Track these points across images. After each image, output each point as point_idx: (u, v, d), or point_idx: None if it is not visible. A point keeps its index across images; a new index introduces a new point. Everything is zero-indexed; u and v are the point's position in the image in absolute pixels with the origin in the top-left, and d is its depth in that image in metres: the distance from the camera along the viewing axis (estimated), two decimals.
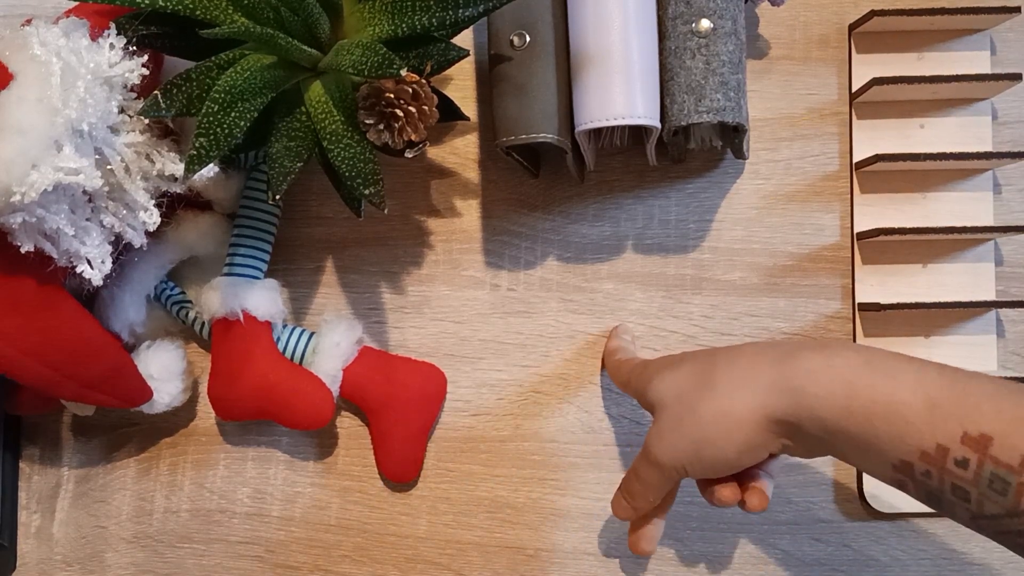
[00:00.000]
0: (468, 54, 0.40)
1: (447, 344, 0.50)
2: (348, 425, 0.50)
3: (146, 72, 0.38)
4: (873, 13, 0.48)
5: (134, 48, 0.38)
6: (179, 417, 0.51)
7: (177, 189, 0.41)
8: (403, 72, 0.35)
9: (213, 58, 0.39)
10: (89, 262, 0.38)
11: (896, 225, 0.47)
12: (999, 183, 0.50)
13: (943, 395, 0.31)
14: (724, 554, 0.49)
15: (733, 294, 0.50)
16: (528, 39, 0.43)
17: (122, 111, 0.38)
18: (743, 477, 0.40)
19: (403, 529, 0.50)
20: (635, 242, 0.51)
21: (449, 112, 0.45)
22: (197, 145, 0.36)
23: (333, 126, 0.40)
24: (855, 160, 0.50)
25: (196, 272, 0.50)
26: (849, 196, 0.50)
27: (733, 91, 0.43)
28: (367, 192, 0.39)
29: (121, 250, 0.41)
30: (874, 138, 0.50)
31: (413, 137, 0.39)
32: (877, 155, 0.47)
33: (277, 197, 0.38)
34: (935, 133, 0.50)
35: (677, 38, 0.43)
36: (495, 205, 0.51)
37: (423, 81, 0.38)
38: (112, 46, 0.37)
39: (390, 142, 0.39)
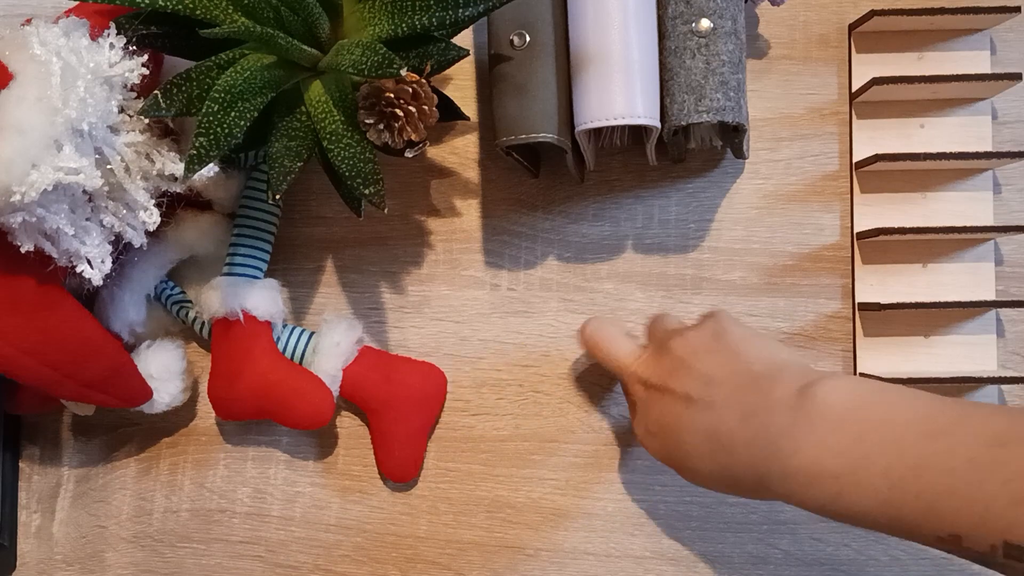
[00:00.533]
0: (468, 54, 0.40)
1: (447, 344, 0.50)
2: (348, 425, 0.50)
3: (146, 72, 0.38)
4: (873, 13, 0.48)
5: (134, 48, 0.38)
6: (179, 417, 0.51)
7: (177, 189, 0.41)
8: (403, 72, 0.35)
9: (213, 58, 0.39)
10: (89, 262, 0.38)
11: (896, 225, 0.47)
12: (999, 183, 0.50)
13: (904, 511, 0.30)
14: (724, 554, 0.49)
15: (733, 294, 0.50)
16: (528, 39, 0.43)
17: (122, 111, 0.38)
18: None
19: (403, 529, 0.50)
20: (635, 242, 0.51)
21: (449, 112, 0.45)
22: (197, 145, 0.36)
23: (333, 126, 0.40)
24: (855, 160, 0.50)
25: (196, 272, 0.50)
26: (849, 196, 0.50)
27: (733, 91, 0.43)
28: (367, 192, 0.39)
29: (121, 250, 0.41)
30: (874, 138, 0.50)
31: (413, 137, 0.39)
32: (877, 155, 0.47)
33: (277, 197, 0.38)
34: (935, 133, 0.50)
35: (677, 38, 0.43)
36: (495, 205, 0.51)
37: (423, 81, 0.38)
38: (112, 46, 0.37)
39: (390, 142, 0.39)
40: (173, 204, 0.44)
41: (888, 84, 0.47)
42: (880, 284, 0.49)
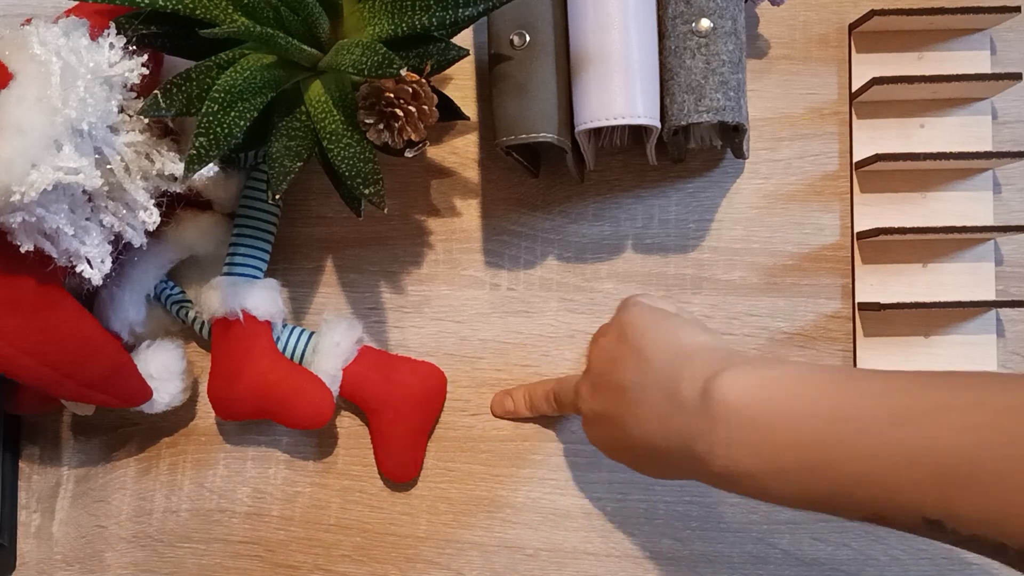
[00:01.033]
0: (468, 54, 0.40)
1: (447, 344, 0.50)
2: (348, 425, 0.50)
3: (146, 72, 0.38)
4: (873, 13, 0.48)
5: (134, 47, 0.38)
6: (179, 417, 0.51)
7: (177, 188, 0.41)
8: (403, 72, 0.35)
9: (213, 58, 0.39)
10: (89, 261, 0.38)
11: (896, 225, 0.47)
12: (999, 183, 0.50)
13: (823, 497, 0.31)
14: (724, 554, 0.49)
15: (733, 294, 0.50)
16: (528, 39, 0.43)
17: (122, 110, 0.38)
18: None
19: (403, 529, 0.50)
20: (635, 242, 0.51)
21: (449, 112, 0.45)
22: (197, 145, 0.36)
23: (333, 126, 0.40)
24: (855, 160, 0.50)
25: (196, 272, 0.50)
26: (849, 196, 0.50)
27: (733, 91, 0.43)
28: (367, 192, 0.39)
29: (121, 249, 0.41)
30: (874, 138, 0.50)
31: (413, 137, 0.39)
32: (877, 155, 0.47)
33: (277, 197, 0.38)
34: (935, 133, 0.50)
35: (677, 37, 0.43)
36: (495, 205, 0.51)
37: (423, 81, 0.38)
38: (112, 45, 0.37)
39: (390, 142, 0.39)
40: (173, 204, 0.44)
41: (888, 84, 0.47)
42: (880, 284, 0.49)
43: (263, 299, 0.46)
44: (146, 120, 0.39)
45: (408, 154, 0.40)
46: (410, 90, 0.38)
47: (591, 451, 0.50)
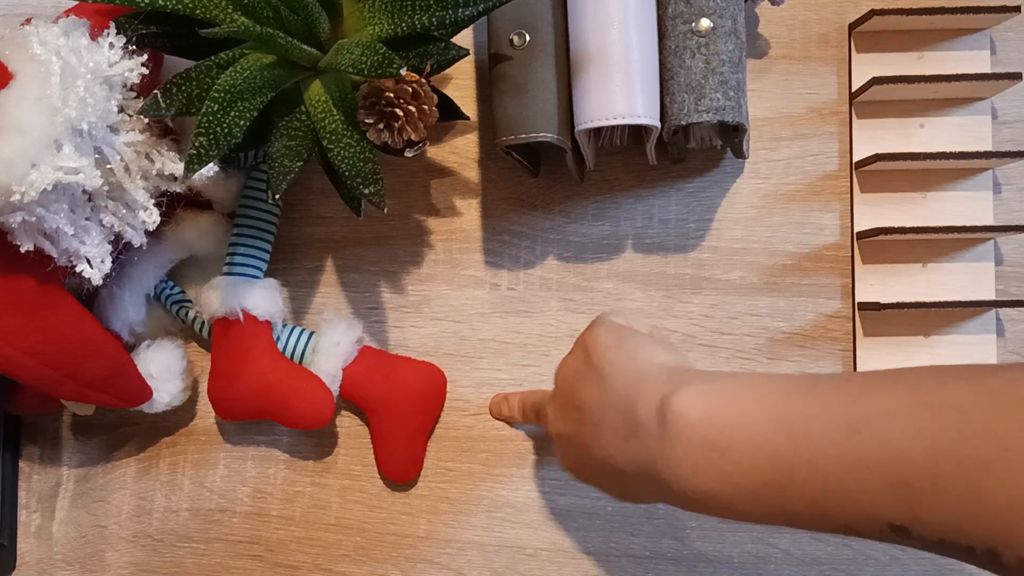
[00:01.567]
0: (468, 53, 0.40)
1: (447, 343, 0.50)
2: (348, 425, 0.50)
3: (146, 71, 0.38)
4: (873, 12, 0.48)
5: (134, 47, 0.38)
6: (179, 416, 0.51)
7: (177, 188, 0.41)
8: (403, 71, 0.35)
9: (213, 57, 0.39)
10: (89, 261, 0.38)
11: (896, 225, 0.47)
12: (999, 183, 0.50)
13: (788, 507, 0.30)
14: (724, 554, 0.49)
15: (733, 293, 0.50)
16: (528, 38, 0.43)
17: (122, 110, 0.38)
18: None
19: (403, 528, 0.50)
20: (635, 241, 0.51)
21: (449, 111, 0.45)
22: (197, 144, 0.36)
23: (333, 125, 0.40)
24: (855, 159, 0.50)
25: (196, 271, 0.50)
26: (849, 195, 0.50)
27: (733, 90, 0.43)
28: (367, 191, 0.39)
29: (121, 249, 0.41)
30: (874, 137, 0.50)
31: (413, 136, 0.39)
32: (877, 154, 0.47)
33: (277, 196, 0.38)
34: (935, 132, 0.50)
35: (677, 37, 0.43)
36: (495, 204, 0.51)
37: (423, 80, 0.38)
38: (112, 45, 0.37)
39: (390, 141, 0.39)
40: (173, 204, 0.44)
41: (888, 84, 0.47)
42: (880, 284, 0.49)
43: (263, 299, 0.46)
44: (146, 120, 0.39)
45: (408, 154, 0.40)
46: (410, 90, 0.38)
47: None
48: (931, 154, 0.46)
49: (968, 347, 0.49)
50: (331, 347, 0.47)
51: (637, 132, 0.49)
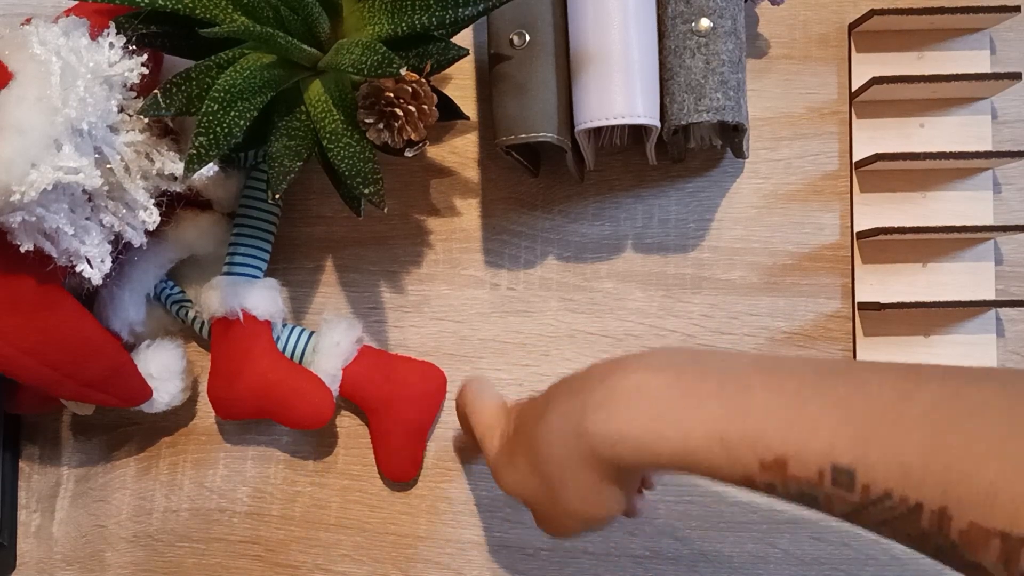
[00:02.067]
0: (468, 53, 0.40)
1: (447, 343, 0.50)
2: (348, 424, 0.50)
3: (146, 71, 0.38)
4: (873, 12, 0.48)
5: (134, 47, 0.38)
6: (179, 416, 0.51)
7: (177, 188, 0.41)
8: (403, 71, 0.35)
9: (213, 57, 0.39)
10: (89, 261, 0.38)
11: (896, 224, 0.47)
12: (999, 182, 0.50)
13: (731, 428, 0.30)
14: (724, 554, 0.49)
15: (733, 293, 0.50)
16: (528, 38, 0.43)
17: (122, 110, 0.38)
18: None
19: (403, 528, 0.50)
20: (635, 241, 0.51)
21: (449, 111, 0.45)
22: (197, 144, 0.36)
23: (333, 125, 0.40)
24: (855, 159, 0.50)
25: (196, 271, 0.50)
26: (849, 195, 0.50)
27: (733, 90, 0.43)
28: (367, 191, 0.39)
29: (121, 249, 0.41)
30: (874, 137, 0.50)
31: (413, 136, 0.39)
32: (877, 154, 0.47)
33: (277, 196, 0.38)
34: (935, 132, 0.50)
35: (677, 37, 0.43)
36: (495, 204, 0.51)
37: (423, 80, 0.38)
38: (112, 45, 0.37)
39: (390, 141, 0.39)
40: (173, 203, 0.44)
41: (888, 83, 0.47)
42: (880, 284, 0.49)
43: (263, 299, 0.46)
44: (146, 120, 0.39)
45: (408, 154, 0.40)
46: (410, 90, 0.38)
47: None
48: (931, 154, 0.46)
49: (968, 347, 0.49)
50: (331, 347, 0.47)
51: (637, 132, 0.49)
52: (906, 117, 0.50)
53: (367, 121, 0.39)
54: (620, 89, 0.42)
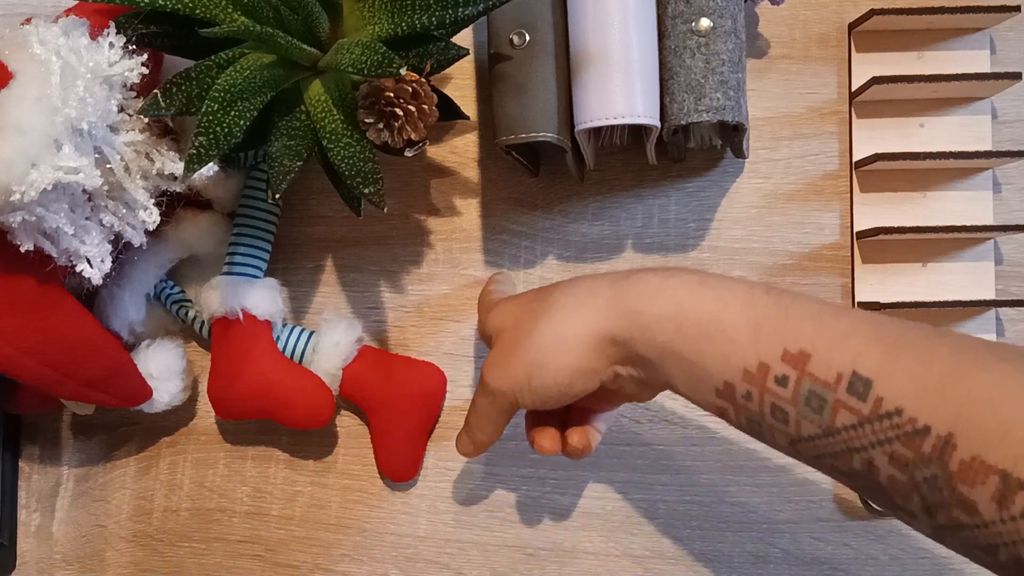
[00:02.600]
0: (468, 53, 0.40)
1: (447, 343, 0.50)
2: (348, 424, 0.50)
3: (145, 71, 0.38)
4: (873, 12, 0.48)
5: (134, 47, 0.38)
6: (179, 416, 0.51)
7: (177, 188, 0.41)
8: (403, 71, 0.35)
9: (213, 57, 0.39)
10: (89, 261, 0.38)
11: (896, 224, 0.47)
12: (999, 182, 0.50)
13: (768, 315, 0.31)
14: (724, 553, 0.49)
15: None
16: (528, 38, 0.43)
17: (122, 110, 0.38)
18: (571, 423, 0.40)
19: (403, 528, 0.50)
20: (635, 241, 0.51)
21: (449, 111, 0.45)
22: (197, 144, 0.36)
23: (333, 125, 0.40)
24: (855, 159, 0.50)
25: (196, 271, 0.50)
26: (849, 195, 0.50)
27: (733, 90, 0.43)
28: (367, 191, 0.39)
29: (121, 249, 0.41)
30: (874, 137, 0.50)
31: (413, 136, 0.39)
32: (877, 154, 0.47)
33: (277, 196, 0.38)
34: (935, 132, 0.50)
35: (677, 37, 0.43)
36: (495, 204, 0.51)
37: (423, 80, 0.38)
38: (112, 45, 0.37)
39: (390, 141, 0.39)
40: (173, 203, 0.44)
41: (888, 83, 0.47)
42: (880, 284, 0.49)
43: (263, 299, 0.46)
44: (146, 119, 0.39)
45: (408, 153, 0.40)
46: (410, 89, 0.38)
47: None
48: (931, 154, 0.46)
49: None
50: (331, 347, 0.47)
51: (637, 132, 0.49)
52: (906, 117, 0.50)
53: (367, 121, 0.39)
54: (620, 89, 0.42)
